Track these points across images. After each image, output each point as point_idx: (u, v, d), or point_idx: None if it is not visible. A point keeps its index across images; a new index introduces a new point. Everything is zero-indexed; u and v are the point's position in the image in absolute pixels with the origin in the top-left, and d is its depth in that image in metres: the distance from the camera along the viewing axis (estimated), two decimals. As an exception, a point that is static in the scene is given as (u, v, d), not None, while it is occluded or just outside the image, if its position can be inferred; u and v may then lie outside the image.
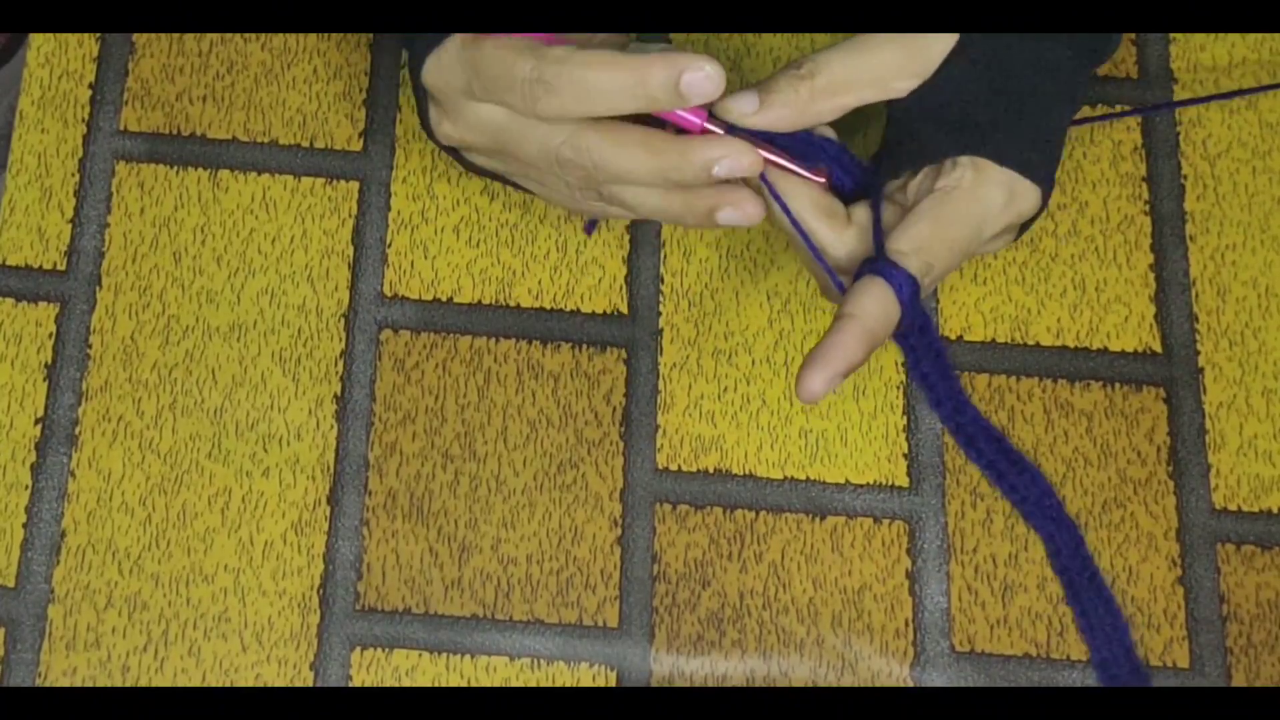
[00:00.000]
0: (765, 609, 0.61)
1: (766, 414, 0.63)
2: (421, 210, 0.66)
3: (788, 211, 0.56)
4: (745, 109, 0.55)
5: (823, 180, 0.55)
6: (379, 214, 0.66)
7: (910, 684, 0.60)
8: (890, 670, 0.61)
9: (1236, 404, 0.64)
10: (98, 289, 0.64)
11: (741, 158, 0.53)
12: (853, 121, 0.67)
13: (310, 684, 0.60)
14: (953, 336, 0.65)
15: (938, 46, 0.57)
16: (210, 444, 0.62)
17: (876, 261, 0.54)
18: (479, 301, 0.64)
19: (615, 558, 0.62)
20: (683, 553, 0.62)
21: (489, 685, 0.60)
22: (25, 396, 0.63)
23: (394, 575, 0.61)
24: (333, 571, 0.61)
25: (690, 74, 0.51)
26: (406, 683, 0.60)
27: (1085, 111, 0.68)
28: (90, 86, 0.67)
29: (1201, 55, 0.69)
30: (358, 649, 0.60)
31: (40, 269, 0.64)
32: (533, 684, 0.60)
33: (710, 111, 0.55)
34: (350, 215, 0.66)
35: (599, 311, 0.65)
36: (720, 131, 0.55)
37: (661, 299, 0.65)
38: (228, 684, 0.59)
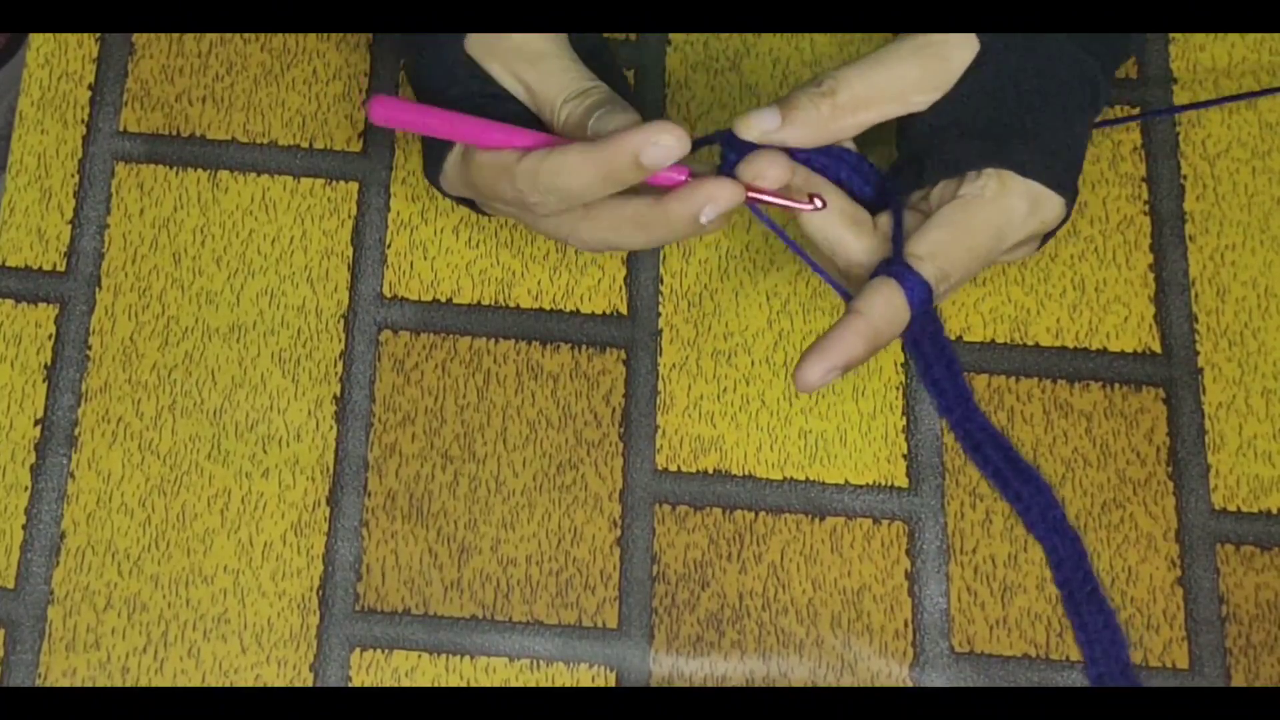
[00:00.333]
0: (765, 610, 0.61)
1: (766, 415, 0.63)
2: (421, 211, 0.66)
3: (773, 226, 0.56)
4: (767, 126, 0.55)
5: (811, 207, 0.55)
6: (378, 215, 0.66)
7: (910, 684, 0.60)
8: (890, 671, 0.61)
9: (1236, 404, 0.64)
10: (97, 290, 0.64)
11: (722, 198, 0.54)
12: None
13: (310, 685, 0.60)
14: (953, 337, 0.65)
15: (958, 60, 0.57)
16: (210, 445, 0.62)
17: (891, 263, 0.54)
18: (478, 302, 0.64)
19: (615, 558, 0.62)
20: (682, 553, 0.62)
21: (488, 686, 0.60)
22: (25, 397, 0.63)
23: (393, 576, 0.61)
24: (332, 572, 0.61)
25: (648, 150, 0.52)
26: (406, 684, 0.60)
27: (1085, 111, 0.68)
28: (90, 87, 0.67)
29: (1201, 55, 0.69)
30: (357, 650, 0.60)
31: (40, 270, 0.64)
32: (532, 685, 0.60)
33: (731, 129, 0.56)
34: (350, 216, 0.66)
35: (598, 312, 0.65)
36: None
37: (661, 300, 0.65)
38: (227, 685, 0.59)
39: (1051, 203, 0.56)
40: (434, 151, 0.59)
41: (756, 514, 0.62)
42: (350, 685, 0.60)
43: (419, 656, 0.60)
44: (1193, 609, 0.62)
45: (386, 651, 0.60)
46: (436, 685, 0.60)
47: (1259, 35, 0.69)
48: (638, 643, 0.61)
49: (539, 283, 0.65)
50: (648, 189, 0.56)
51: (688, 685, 0.60)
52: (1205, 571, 0.62)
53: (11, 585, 0.60)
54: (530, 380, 0.64)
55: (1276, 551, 0.62)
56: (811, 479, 0.63)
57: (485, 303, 0.64)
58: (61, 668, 0.60)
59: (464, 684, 0.60)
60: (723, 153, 0.56)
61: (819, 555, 0.62)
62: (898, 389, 0.64)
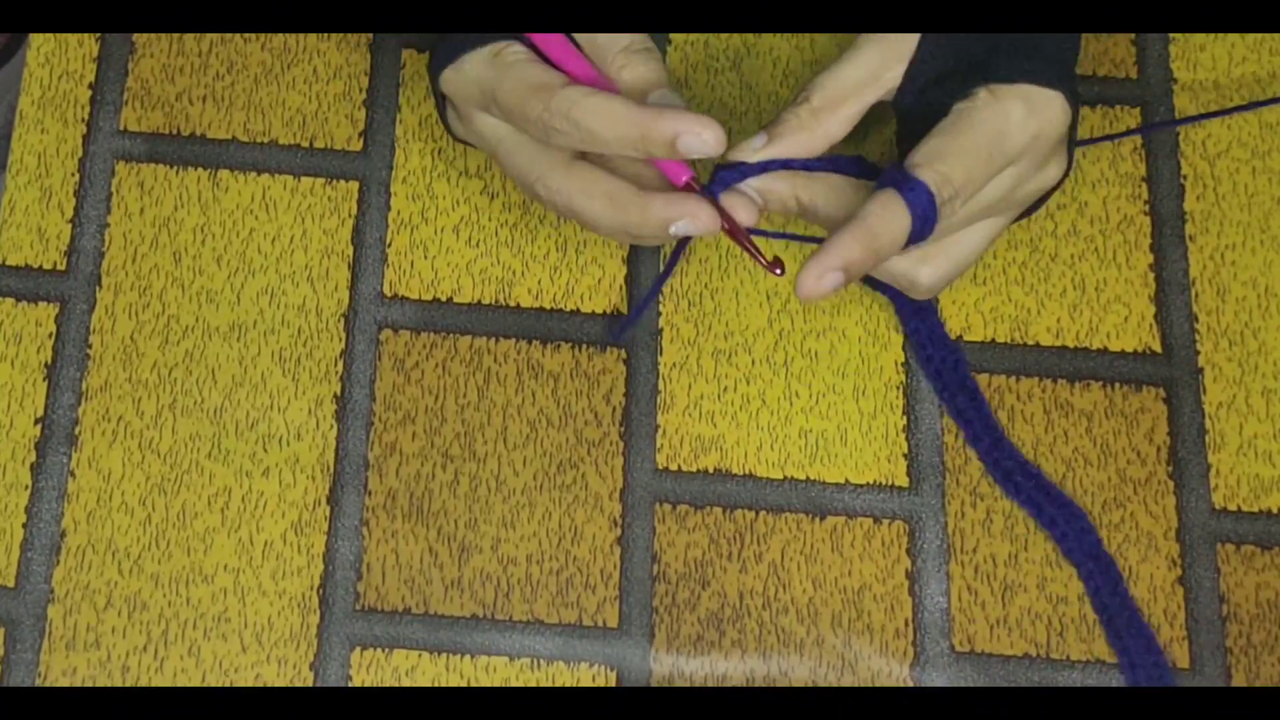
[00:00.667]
0: (765, 609, 0.61)
1: (766, 414, 0.63)
2: (421, 210, 0.66)
3: (740, 237, 0.56)
4: (755, 145, 0.57)
5: (772, 269, 0.55)
6: (379, 214, 0.66)
7: (910, 684, 0.60)
8: (890, 670, 0.61)
9: (1236, 404, 0.64)
10: (98, 289, 0.64)
11: (699, 220, 0.55)
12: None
13: (310, 684, 0.60)
14: (953, 336, 0.65)
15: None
16: (210, 444, 0.62)
17: (888, 173, 0.54)
18: (479, 301, 0.64)
19: (615, 558, 0.62)
20: (682, 553, 0.62)
21: (489, 685, 0.60)
22: (25, 396, 0.63)
23: (394, 575, 0.61)
24: (332, 571, 0.61)
25: (688, 138, 0.53)
26: (406, 683, 0.60)
27: (1085, 115, 0.68)
28: (90, 86, 0.67)
29: (1201, 55, 0.69)
30: (357, 649, 0.60)
31: (40, 269, 0.64)
32: (532, 684, 0.60)
33: (724, 157, 0.57)
34: (350, 215, 0.66)
35: (599, 311, 0.65)
36: (696, 189, 0.56)
37: (661, 299, 0.65)
38: (227, 684, 0.59)
39: (1049, 100, 0.56)
40: (451, 47, 0.58)
41: (757, 513, 0.62)
42: (350, 685, 0.60)
43: (419, 656, 0.60)
44: (1193, 608, 0.62)
45: (387, 651, 0.60)
46: (436, 685, 0.60)
47: (1259, 35, 0.69)
48: (638, 642, 0.61)
49: (539, 282, 0.65)
50: (628, 173, 0.57)
51: (688, 685, 0.60)
52: (1206, 571, 0.62)
53: (12, 584, 0.60)
54: (530, 379, 0.64)
55: (1277, 551, 0.62)
56: (812, 478, 0.63)
57: (486, 302, 0.64)
58: (61, 667, 0.60)
59: (464, 683, 0.60)
60: (715, 169, 0.57)
61: (819, 554, 0.62)
62: (898, 389, 0.64)
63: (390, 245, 0.65)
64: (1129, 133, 0.64)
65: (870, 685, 0.60)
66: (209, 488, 0.62)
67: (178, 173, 0.66)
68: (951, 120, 0.56)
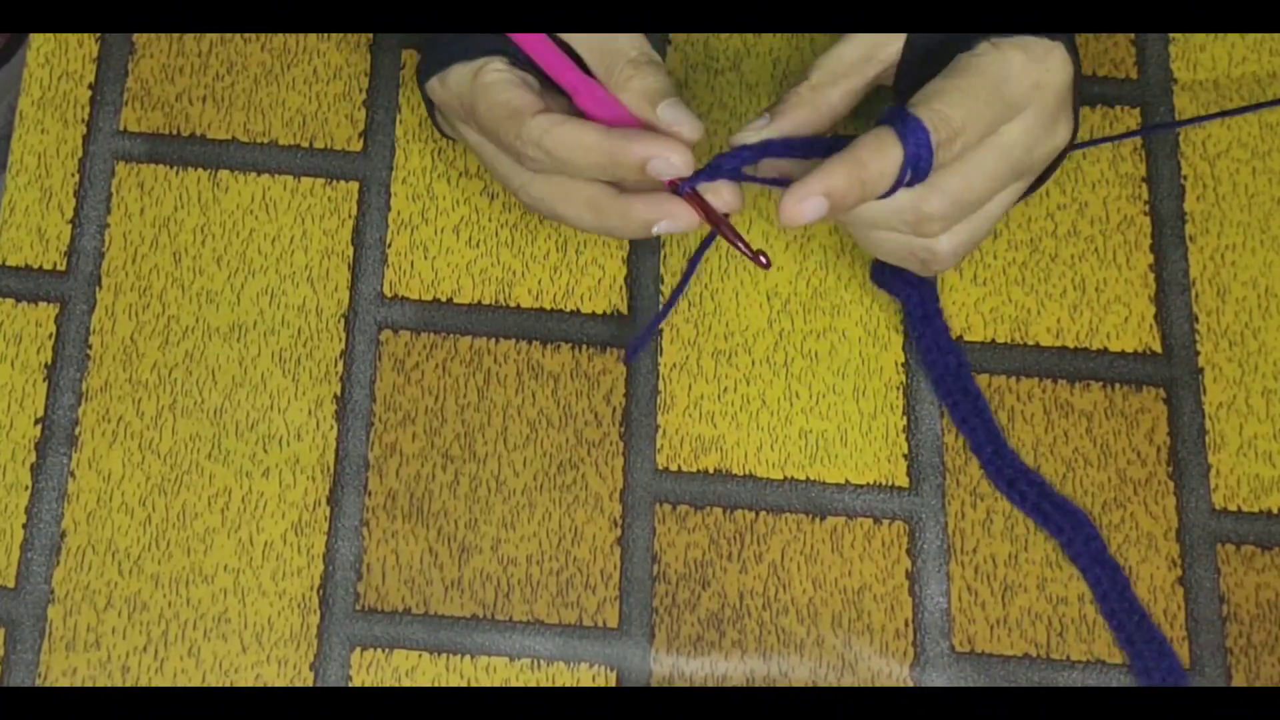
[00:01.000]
0: (765, 609, 0.61)
1: (766, 414, 0.63)
2: (421, 210, 0.66)
3: (724, 229, 0.56)
4: (758, 125, 0.57)
5: (757, 261, 0.56)
6: (379, 214, 0.66)
7: (910, 684, 0.60)
8: (890, 670, 0.61)
9: (1236, 404, 0.64)
10: (97, 289, 0.64)
11: (680, 220, 0.56)
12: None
13: (310, 684, 0.60)
14: (953, 336, 0.65)
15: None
16: (210, 444, 0.62)
17: (886, 111, 0.54)
18: (479, 302, 0.64)
19: (615, 558, 0.62)
20: (683, 553, 0.62)
21: (489, 686, 0.60)
22: (25, 397, 0.63)
23: (394, 576, 0.61)
24: (332, 572, 0.61)
25: (656, 162, 0.55)
26: (406, 683, 0.60)
27: (1085, 115, 0.68)
28: (90, 87, 0.67)
29: (1201, 55, 0.69)
30: (358, 649, 0.60)
31: (40, 269, 0.64)
32: (533, 684, 0.60)
33: (731, 141, 0.57)
34: (350, 215, 0.66)
35: (599, 312, 0.65)
36: (676, 188, 0.56)
37: (661, 299, 0.65)
38: (228, 684, 0.59)
39: (1049, 49, 0.56)
40: (438, 56, 0.59)
41: (757, 514, 0.62)
42: (350, 685, 0.60)
43: (419, 656, 0.60)
44: (1193, 609, 0.62)
45: (387, 651, 0.60)
46: (437, 685, 0.60)
47: (1259, 35, 0.69)
48: (638, 642, 0.61)
49: (539, 282, 0.65)
50: None
51: (688, 685, 0.60)
52: (1206, 571, 0.62)
53: (12, 584, 0.60)
54: (531, 380, 0.64)
55: (1277, 551, 0.62)
56: (812, 479, 0.63)
57: (486, 302, 0.64)
58: (62, 667, 0.60)
59: (464, 684, 0.60)
60: (713, 159, 0.57)
61: (819, 555, 0.62)
62: (898, 389, 0.64)
63: (390, 246, 0.65)
64: (1128, 135, 0.64)
65: (870, 685, 0.60)
66: (209, 488, 0.62)
67: (178, 173, 0.66)
68: (951, 67, 0.56)
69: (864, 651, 0.61)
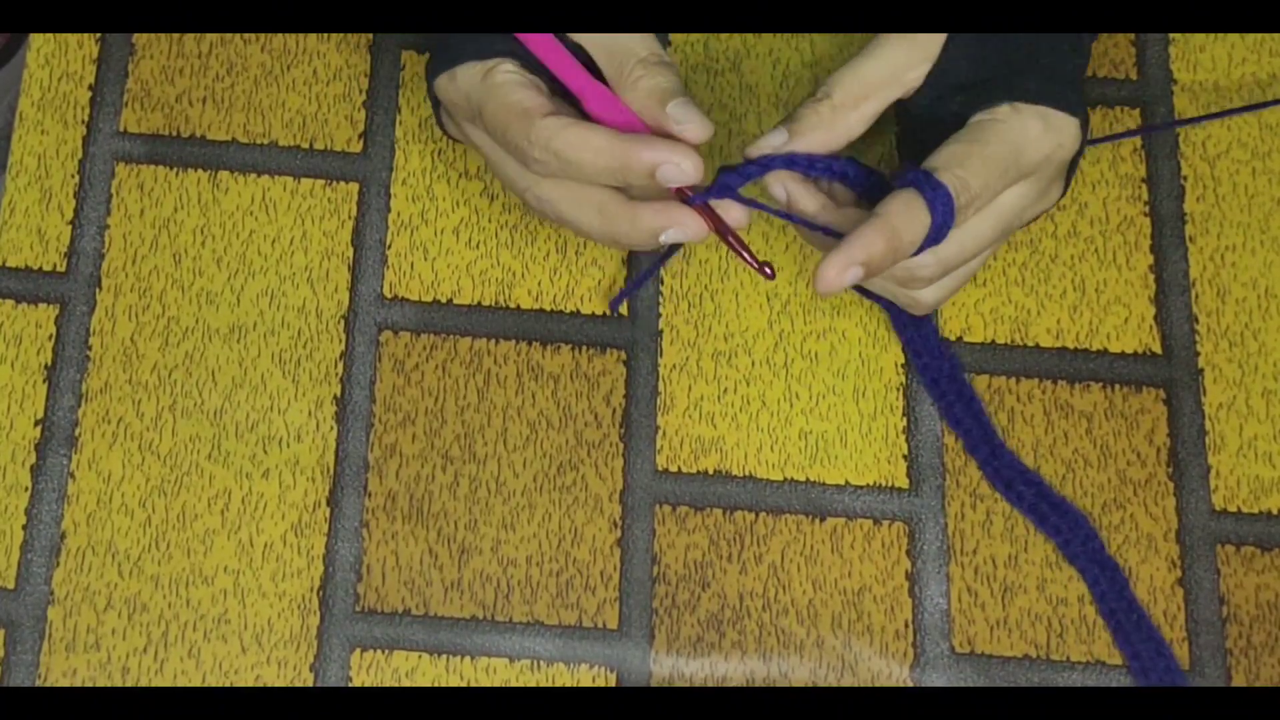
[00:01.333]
0: (765, 610, 0.61)
1: (766, 415, 0.63)
2: (421, 212, 0.66)
3: (731, 241, 0.56)
4: (775, 142, 0.57)
5: (762, 272, 0.56)
6: (379, 215, 0.66)
7: (910, 685, 0.60)
8: (890, 671, 0.61)
9: (1236, 405, 0.64)
10: (97, 290, 0.64)
11: (689, 230, 0.56)
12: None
13: (310, 685, 0.60)
14: (953, 337, 0.65)
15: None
16: (210, 445, 0.62)
17: (909, 173, 0.54)
18: (479, 303, 0.64)
19: (615, 559, 0.62)
20: (682, 554, 0.62)
21: (489, 686, 0.60)
22: (25, 398, 0.63)
23: (394, 577, 0.61)
24: (332, 573, 0.61)
25: (667, 168, 0.54)
26: (406, 684, 0.60)
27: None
28: (90, 88, 0.67)
29: (1201, 55, 0.69)
30: (357, 650, 0.60)
31: (40, 270, 0.64)
32: (533, 685, 0.60)
33: (746, 152, 0.57)
34: (350, 217, 0.66)
35: (599, 313, 0.65)
36: (686, 197, 0.56)
37: (661, 300, 0.65)
38: (227, 685, 0.59)
39: (1064, 123, 0.56)
40: (448, 54, 0.59)
41: (757, 514, 0.62)
42: (350, 685, 0.60)
43: (419, 657, 0.60)
44: (1193, 609, 0.62)
45: (387, 652, 0.60)
46: (437, 685, 0.60)
47: (1259, 35, 0.69)
48: (638, 643, 0.61)
49: (539, 283, 0.65)
50: None
51: (688, 686, 0.60)
52: (1206, 572, 0.62)
53: (12, 585, 0.60)
54: (531, 381, 0.64)
55: (1277, 552, 0.62)
56: (812, 480, 0.63)
57: (485, 303, 0.64)
58: (61, 668, 0.60)
59: (464, 684, 0.60)
60: (720, 170, 0.57)
61: (819, 556, 0.62)
62: (898, 390, 0.64)
63: (390, 247, 0.65)
64: (1128, 134, 0.64)
65: (870, 686, 0.60)
66: (209, 489, 0.62)
67: (177, 174, 0.66)
68: (972, 130, 0.56)
69: (864, 652, 0.61)
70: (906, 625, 0.61)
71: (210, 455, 0.62)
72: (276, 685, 0.59)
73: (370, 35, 0.68)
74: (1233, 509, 0.63)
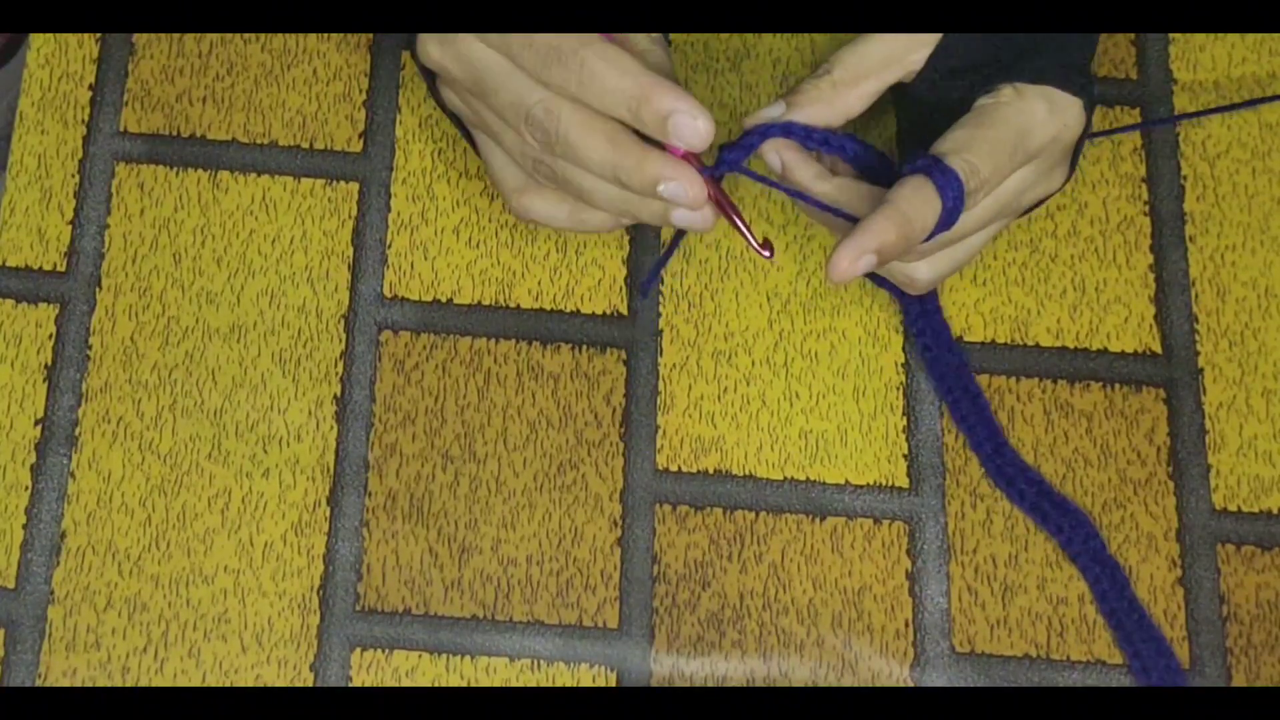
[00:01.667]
0: (765, 610, 0.61)
1: (766, 415, 0.63)
2: (421, 211, 0.66)
3: (732, 215, 0.56)
4: (773, 114, 0.57)
5: (763, 251, 0.56)
6: (379, 215, 0.66)
7: (910, 684, 0.60)
8: (890, 671, 0.61)
9: (1236, 404, 0.64)
10: (97, 290, 0.64)
11: (689, 189, 0.53)
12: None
13: (310, 685, 0.60)
14: (952, 336, 0.65)
15: None
16: (210, 445, 0.62)
17: (918, 160, 0.54)
18: (479, 302, 0.64)
19: (615, 558, 0.62)
20: (683, 553, 0.62)
21: (489, 686, 0.60)
22: (25, 397, 0.63)
23: (394, 576, 0.61)
24: (333, 572, 0.61)
25: (680, 117, 0.52)
26: (406, 683, 0.60)
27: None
28: (90, 88, 0.67)
29: (1201, 55, 0.69)
30: (358, 650, 0.60)
31: (40, 270, 0.64)
32: (533, 685, 0.60)
33: (745, 122, 0.57)
34: (350, 216, 0.66)
35: (599, 312, 0.65)
36: (693, 163, 0.55)
37: (661, 300, 0.65)
38: (227, 685, 0.59)
39: (1069, 103, 0.56)
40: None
41: (757, 514, 0.62)
42: (350, 685, 0.60)
43: (419, 656, 0.60)
44: (1193, 609, 0.62)
45: (387, 651, 0.60)
46: (437, 685, 0.60)
47: (1259, 35, 0.69)
48: (638, 643, 0.61)
49: (539, 283, 0.65)
50: None
51: (688, 685, 0.60)
52: (1206, 571, 0.62)
53: (12, 585, 0.60)
54: (531, 380, 0.64)
55: (1277, 551, 0.62)
56: (812, 479, 0.63)
57: (486, 303, 0.64)
58: (61, 668, 0.60)
59: (464, 684, 0.60)
60: (720, 148, 0.57)
61: (819, 555, 0.62)
62: (898, 389, 0.64)
63: (390, 246, 0.65)
64: (1128, 128, 0.64)
65: (870, 686, 0.60)
66: (209, 489, 0.62)
67: (178, 174, 0.66)
68: (977, 114, 0.56)
69: (864, 652, 0.61)
70: (906, 625, 0.61)
71: (210, 455, 0.62)
72: (276, 685, 0.59)
73: (370, 35, 0.68)
74: (1233, 508, 0.63)
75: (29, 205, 0.65)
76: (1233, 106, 0.66)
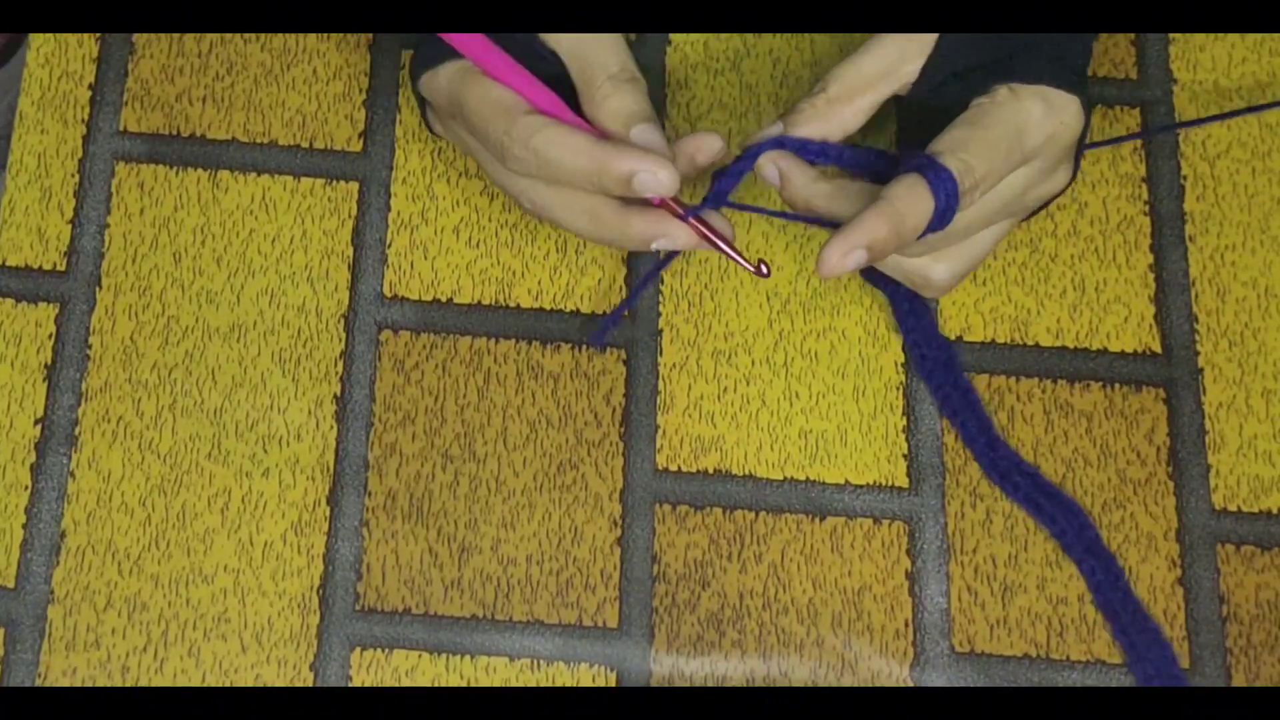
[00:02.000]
0: (765, 609, 0.61)
1: (766, 414, 0.63)
2: (421, 211, 0.66)
3: (724, 248, 0.57)
4: (771, 134, 0.57)
5: (756, 271, 0.57)
6: (379, 215, 0.66)
7: (910, 684, 0.60)
8: (890, 671, 0.61)
9: (1236, 404, 0.64)
10: (97, 289, 0.64)
11: (678, 238, 0.56)
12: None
13: (310, 685, 0.60)
14: (952, 337, 0.65)
15: None
16: (210, 444, 0.62)
17: (913, 158, 0.54)
18: (479, 302, 0.64)
19: (615, 558, 0.62)
20: (682, 553, 0.62)
21: (489, 686, 0.60)
22: (25, 397, 0.63)
23: (394, 576, 0.61)
24: (332, 572, 0.61)
25: (644, 177, 0.54)
26: (406, 683, 0.60)
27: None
28: (90, 87, 0.67)
29: (1201, 55, 0.69)
30: (357, 649, 0.60)
31: (40, 269, 0.64)
32: (532, 684, 0.60)
33: (743, 146, 0.57)
34: (350, 216, 0.66)
35: (599, 312, 0.65)
36: (671, 209, 0.56)
37: (661, 299, 0.65)
38: (227, 685, 0.59)
39: (1066, 102, 0.56)
40: (432, 52, 0.59)
41: (757, 514, 0.62)
42: (350, 685, 0.60)
43: (419, 656, 0.60)
44: (1193, 609, 0.62)
45: (387, 651, 0.60)
46: (436, 685, 0.60)
47: (1259, 35, 0.69)
48: (638, 642, 0.61)
49: (539, 283, 0.65)
50: None
51: (688, 685, 0.60)
52: (1206, 571, 0.62)
53: (11, 585, 0.60)
54: (530, 380, 0.64)
55: (1277, 551, 0.62)
56: (812, 479, 0.63)
57: (485, 302, 0.64)
58: (61, 667, 0.60)
59: (464, 684, 0.60)
60: (714, 176, 0.57)
61: (819, 555, 0.62)
62: (898, 389, 0.64)
63: (390, 246, 0.65)
64: (1129, 137, 0.64)
65: (870, 686, 0.60)
66: (209, 488, 0.62)
67: (177, 173, 0.66)
68: (972, 114, 0.56)
69: (864, 651, 0.61)
70: (906, 624, 0.61)
71: (210, 454, 0.62)
72: (276, 684, 0.59)
73: (370, 35, 0.68)
74: (1233, 508, 0.63)
75: (29, 205, 0.65)
76: (1236, 113, 0.65)
